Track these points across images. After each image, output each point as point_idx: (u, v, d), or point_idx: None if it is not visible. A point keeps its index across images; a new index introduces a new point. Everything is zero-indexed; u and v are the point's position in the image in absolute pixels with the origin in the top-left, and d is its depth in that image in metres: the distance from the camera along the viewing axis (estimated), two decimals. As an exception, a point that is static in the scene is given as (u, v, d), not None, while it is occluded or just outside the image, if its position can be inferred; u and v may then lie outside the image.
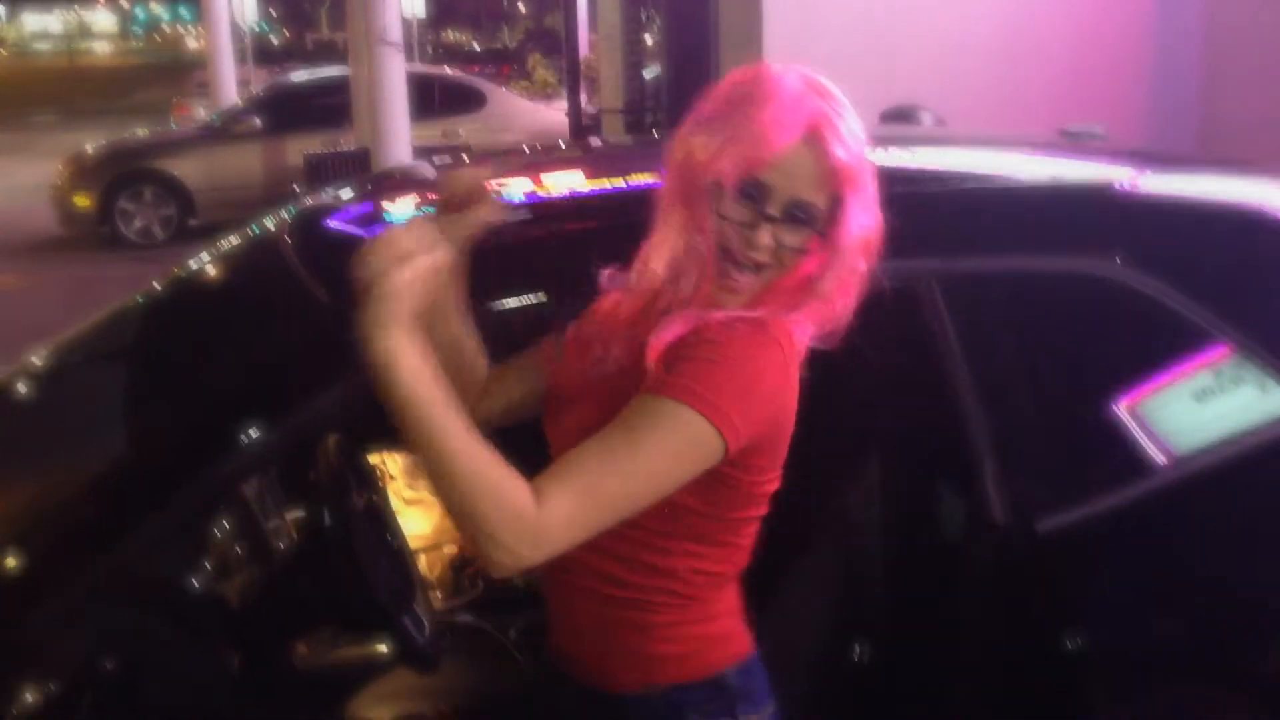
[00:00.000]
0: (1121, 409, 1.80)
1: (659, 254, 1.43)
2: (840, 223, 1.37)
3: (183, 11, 78.94)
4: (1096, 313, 1.81)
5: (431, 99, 11.13)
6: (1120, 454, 1.80)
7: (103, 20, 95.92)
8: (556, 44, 20.42)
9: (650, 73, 9.46)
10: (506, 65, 31.52)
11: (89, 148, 11.62)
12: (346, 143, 10.52)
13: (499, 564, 1.27)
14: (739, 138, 1.35)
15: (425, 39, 35.14)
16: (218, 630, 1.87)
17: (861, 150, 1.37)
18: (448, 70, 13.92)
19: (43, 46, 77.79)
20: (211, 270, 2.47)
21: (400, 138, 6.90)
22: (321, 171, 9.93)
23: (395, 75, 6.46)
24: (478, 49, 40.91)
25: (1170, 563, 1.84)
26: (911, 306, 1.76)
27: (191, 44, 63.20)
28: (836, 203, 1.37)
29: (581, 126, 9.16)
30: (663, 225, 1.43)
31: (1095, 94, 6.23)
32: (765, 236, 1.36)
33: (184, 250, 10.17)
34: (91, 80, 40.99)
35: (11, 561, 1.59)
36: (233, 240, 2.54)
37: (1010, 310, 1.80)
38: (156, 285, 2.49)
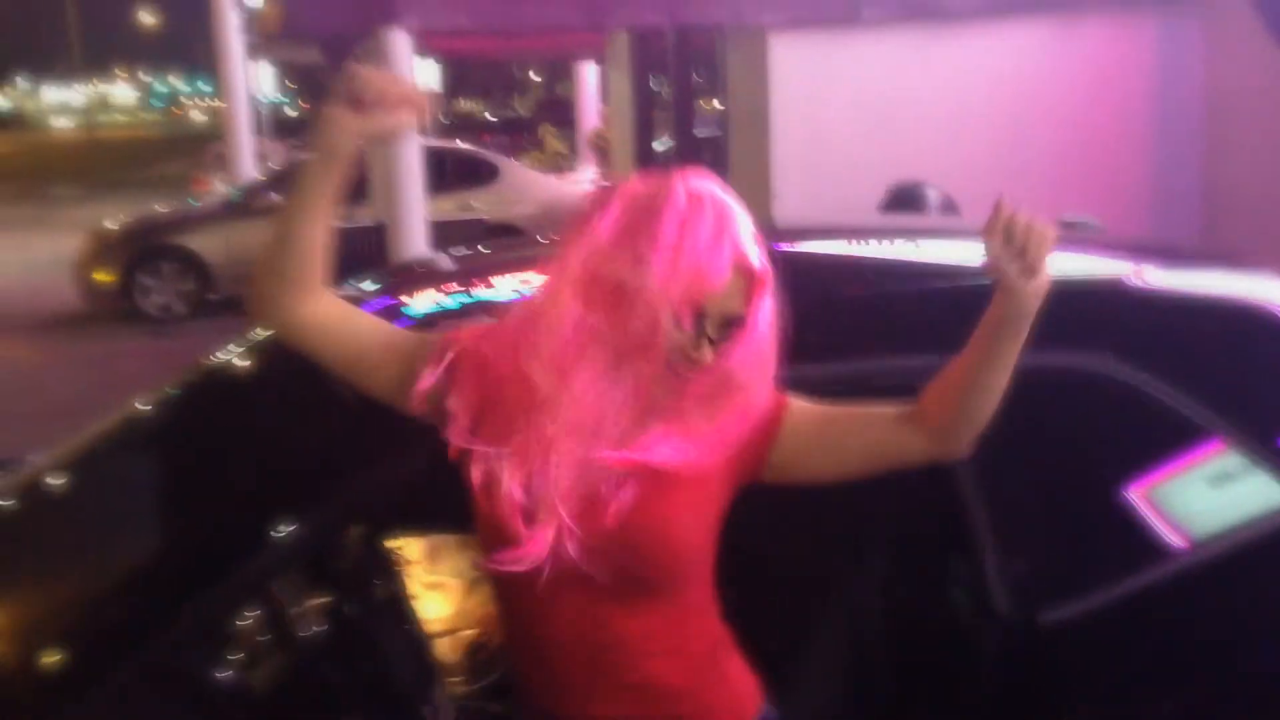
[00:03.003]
0: (1134, 495, 1.85)
1: (584, 369, 1.48)
2: (753, 318, 1.50)
3: (201, 84, 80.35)
4: (1094, 407, 1.88)
5: (445, 172, 11.31)
6: (1121, 545, 1.86)
7: (122, 93, 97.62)
8: (568, 113, 20.65)
9: (662, 145, 9.63)
10: (519, 135, 31.86)
11: (110, 223, 11.82)
12: (362, 216, 10.66)
13: None
14: (684, 272, 1.43)
15: (438, 109, 35.59)
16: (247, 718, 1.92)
17: (761, 249, 1.50)
18: (460, 143, 14.13)
19: (62, 120, 79.23)
20: (238, 363, 2.55)
21: (416, 213, 7.03)
22: (338, 246, 10.08)
23: (411, 153, 6.61)
24: (490, 118, 41.41)
25: (1175, 650, 1.89)
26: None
27: (207, 117, 64.32)
28: (751, 303, 1.50)
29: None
30: (580, 341, 1.48)
31: (1098, 173, 6.35)
32: (708, 353, 1.48)
33: (203, 324, 10.34)
34: (111, 153, 41.67)
35: (53, 658, 1.66)
36: (258, 332, 2.62)
37: (1009, 404, 1.86)
38: (184, 377, 2.56)
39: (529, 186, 12.06)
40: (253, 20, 13.38)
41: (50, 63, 70.92)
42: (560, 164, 17.55)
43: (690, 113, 8.19)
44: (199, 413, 2.35)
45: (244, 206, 11.56)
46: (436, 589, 2.77)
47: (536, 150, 21.42)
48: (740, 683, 1.67)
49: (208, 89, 74.95)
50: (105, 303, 11.04)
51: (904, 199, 5.20)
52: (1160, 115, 6.63)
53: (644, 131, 9.06)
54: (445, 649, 2.63)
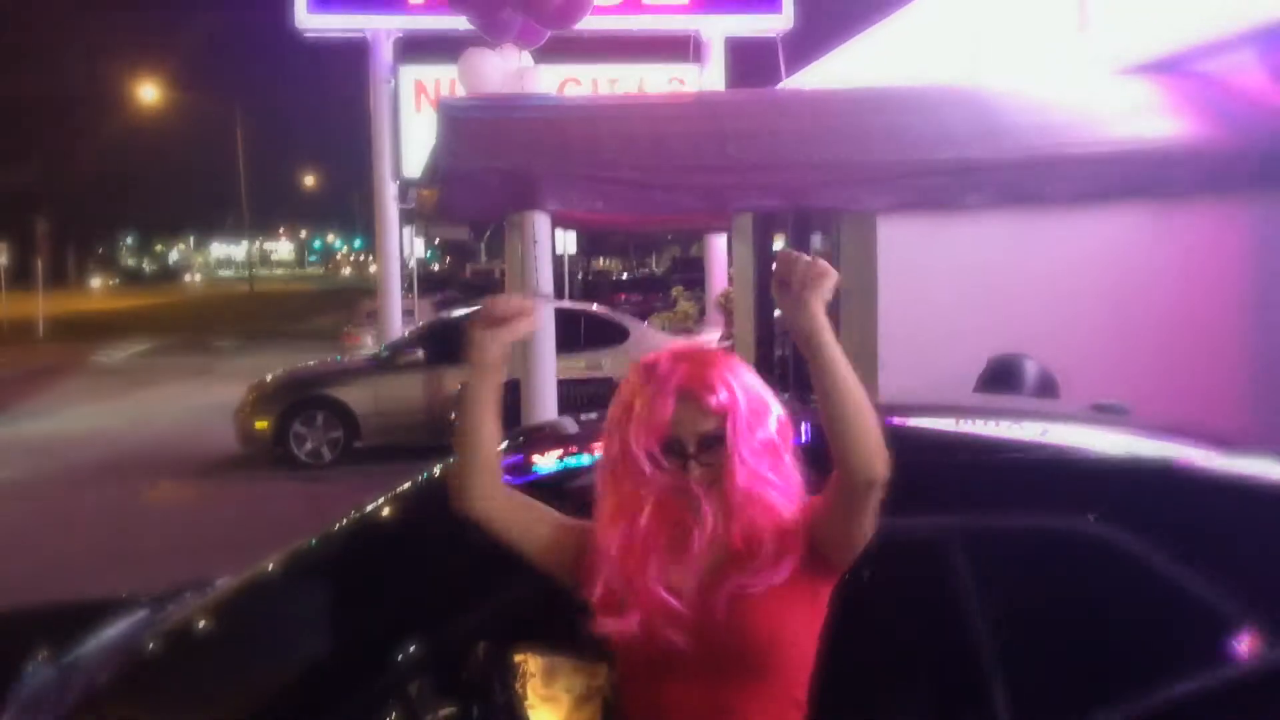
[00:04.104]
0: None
1: (628, 519, 2.02)
2: (730, 434, 1.94)
3: (356, 243, 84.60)
4: (1095, 567, 2.23)
5: (578, 333, 12.00)
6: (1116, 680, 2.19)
7: (282, 249, 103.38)
8: (702, 274, 21.38)
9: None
10: (654, 294, 32.90)
11: (269, 376, 12.77)
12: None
13: None
14: (637, 420, 1.96)
15: (576, 266, 37.00)
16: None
17: (734, 392, 1.94)
18: (594, 307, 14.89)
19: (227, 273, 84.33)
20: (385, 511, 3.04)
21: (547, 373, 7.59)
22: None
23: (545, 321, 7.22)
24: (626, 277, 42.72)
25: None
26: (937, 556, 2.22)
27: (358, 273, 67.60)
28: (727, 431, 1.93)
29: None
30: (623, 499, 2.03)
31: (1196, 355, 6.57)
32: (695, 471, 1.94)
33: (348, 470, 11.00)
34: (270, 306, 44.27)
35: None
36: (405, 486, 3.12)
37: (1026, 562, 2.23)
38: (336, 525, 3.06)
39: (656, 347, 12.65)
40: (407, 193, 14.51)
41: (219, 220, 75.85)
42: (689, 325, 18.15)
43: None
44: (351, 549, 2.84)
45: (389, 362, 12.41)
46: (550, 702, 3.18)
47: (668, 310, 22.16)
48: None
49: (360, 245, 78.96)
50: (261, 448, 11.89)
51: (1001, 373, 5.53)
52: (1259, 302, 6.82)
53: (764, 297, 9.58)
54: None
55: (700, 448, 1.94)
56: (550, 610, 2.32)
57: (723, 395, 1.94)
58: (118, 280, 72.24)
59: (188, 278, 78.36)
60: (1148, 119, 7.08)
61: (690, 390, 1.95)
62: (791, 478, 2.00)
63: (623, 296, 30.37)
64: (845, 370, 1.85)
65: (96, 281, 67.20)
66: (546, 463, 2.85)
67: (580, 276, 35.97)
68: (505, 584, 2.28)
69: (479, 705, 2.42)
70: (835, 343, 1.86)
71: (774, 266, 1.87)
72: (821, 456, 1.92)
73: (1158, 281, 6.75)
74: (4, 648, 3.11)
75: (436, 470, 3.03)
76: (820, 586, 2.00)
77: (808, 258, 1.86)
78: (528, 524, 2.14)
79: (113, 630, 3.06)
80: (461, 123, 7.26)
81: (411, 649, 2.23)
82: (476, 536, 2.43)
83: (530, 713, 2.72)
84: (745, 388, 1.98)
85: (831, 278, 1.85)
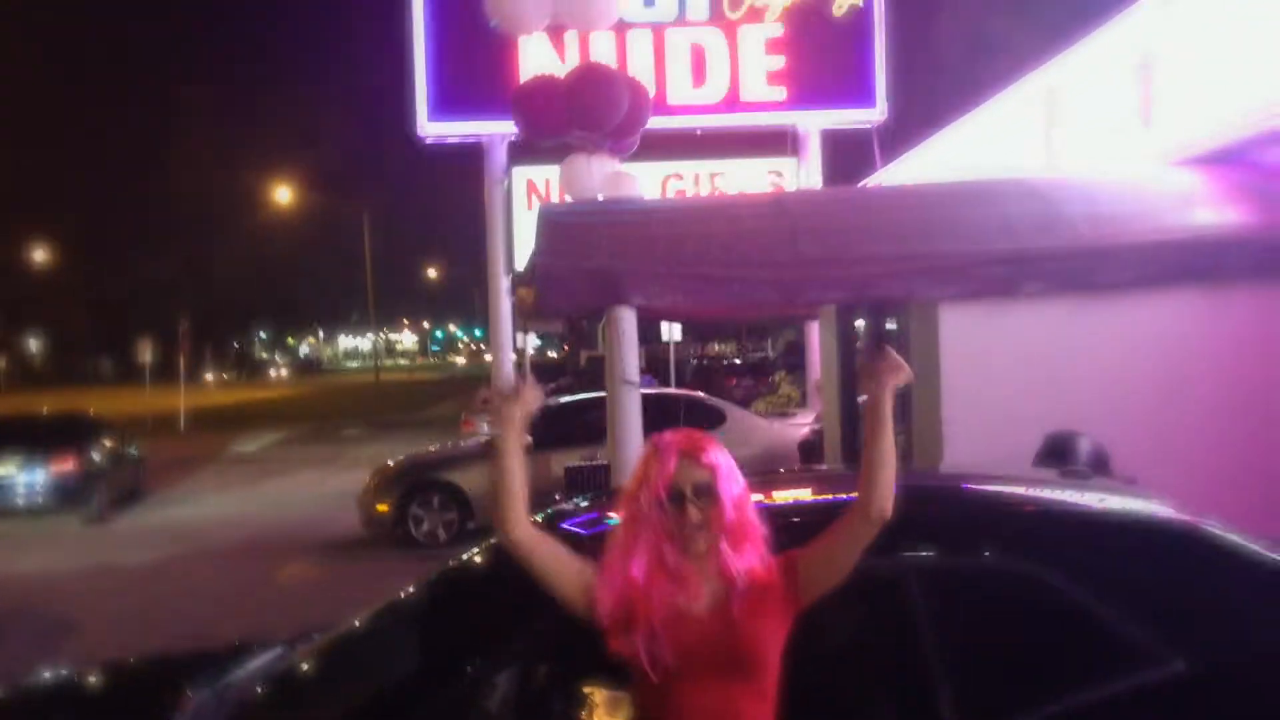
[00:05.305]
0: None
1: (639, 555, 2.61)
2: (718, 484, 2.57)
3: (477, 333, 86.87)
4: (1021, 594, 2.76)
5: (676, 416, 12.61)
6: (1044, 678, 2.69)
7: (405, 340, 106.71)
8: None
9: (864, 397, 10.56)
10: (763, 379, 33.37)
11: (390, 462, 13.64)
12: (602, 456, 12.04)
13: None
14: (651, 477, 2.60)
15: (687, 353, 37.57)
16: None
17: (717, 457, 2.60)
18: (695, 393, 15.46)
19: (353, 364, 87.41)
20: (475, 561, 3.70)
21: (633, 450, 8.21)
22: (579, 481, 11.44)
23: (632, 407, 7.83)
24: (737, 362, 43.21)
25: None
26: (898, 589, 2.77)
27: (473, 361, 69.19)
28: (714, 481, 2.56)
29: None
30: (637, 541, 2.62)
31: (1247, 437, 6.85)
32: (694, 513, 2.55)
33: (462, 550, 11.64)
34: (392, 396, 45.94)
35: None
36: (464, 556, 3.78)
37: (967, 593, 2.77)
38: (428, 577, 3.72)
39: (752, 431, 13.21)
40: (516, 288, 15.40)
41: (346, 313, 78.83)
42: (788, 408, 18.59)
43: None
44: (441, 589, 3.50)
45: (501, 447, 13.15)
46: (607, 728, 3.76)
47: (771, 394, 22.64)
48: None
49: (480, 335, 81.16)
50: (382, 530, 12.69)
51: (1057, 448, 5.95)
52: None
53: (847, 380, 10.10)
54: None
55: (696, 494, 2.58)
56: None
57: (712, 455, 2.61)
58: (227, 375, 75.24)
59: (273, 373, 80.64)
60: (1200, 208, 7.46)
61: (688, 451, 2.61)
62: (759, 525, 2.61)
63: (733, 382, 30.86)
64: (890, 431, 2.59)
65: (210, 376, 69.97)
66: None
67: (693, 363, 36.56)
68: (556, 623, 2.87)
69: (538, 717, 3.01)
70: (890, 413, 2.62)
71: (861, 351, 2.61)
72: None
73: (1209, 364, 7.07)
74: (163, 682, 3.82)
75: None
76: (791, 609, 2.59)
77: (893, 354, 2.65)
78: (555, 556, 2.70)
79: (256, 662, 3.76)
80: (556, 225, 7.99)
81: (479, 665, 2.84)
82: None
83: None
84: (725, 455, 2.63)
85: (906, 371, 2.62)
